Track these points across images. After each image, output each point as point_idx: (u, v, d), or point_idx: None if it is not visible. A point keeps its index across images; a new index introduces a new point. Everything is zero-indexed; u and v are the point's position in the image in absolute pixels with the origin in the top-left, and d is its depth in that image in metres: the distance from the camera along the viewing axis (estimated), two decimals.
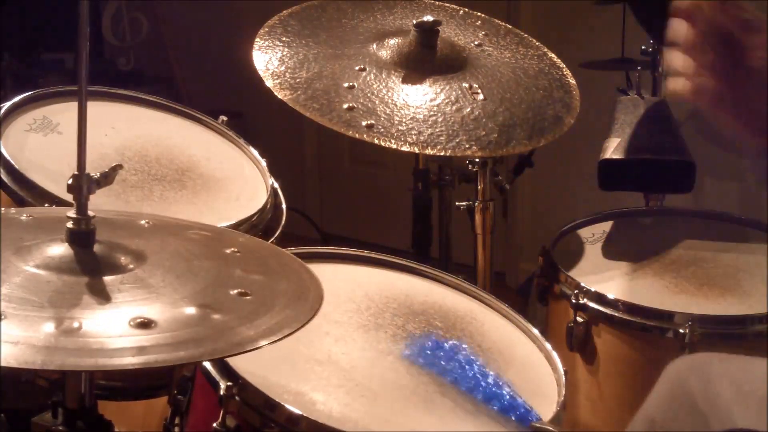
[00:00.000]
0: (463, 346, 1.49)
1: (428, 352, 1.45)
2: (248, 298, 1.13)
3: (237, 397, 1.28)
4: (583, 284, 1.84)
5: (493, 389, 1.39)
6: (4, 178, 1.64)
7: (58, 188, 1.60)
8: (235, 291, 1.13)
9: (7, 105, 1.78)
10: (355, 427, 1.27)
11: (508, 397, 1.38)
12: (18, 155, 1.68)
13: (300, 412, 1.25)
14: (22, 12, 4.21)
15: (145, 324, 1.03)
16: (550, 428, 1.33)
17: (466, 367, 1.43)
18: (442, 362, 1.43)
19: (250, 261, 1.25)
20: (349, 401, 1.32)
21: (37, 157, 1.71)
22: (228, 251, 1.26)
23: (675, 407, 1.38)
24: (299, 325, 1.10)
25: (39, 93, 1.85)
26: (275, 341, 1.06)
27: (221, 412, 1.28)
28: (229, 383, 1.28)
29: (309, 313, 1.13)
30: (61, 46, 4.28)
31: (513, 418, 1.35)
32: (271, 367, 1.35)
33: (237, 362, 1.32)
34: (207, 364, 1.33)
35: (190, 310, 1.08)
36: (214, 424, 1.27)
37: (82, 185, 1.14)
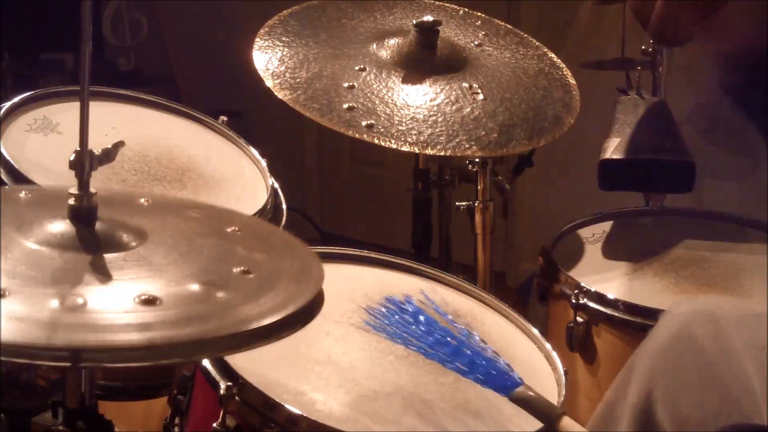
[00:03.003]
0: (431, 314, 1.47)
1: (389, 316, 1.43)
2: (251, 276, 1.12)
3: (237, 397, 1.28)
4: (583, 284, 1.84)
5: (467, 355, 1.37)
6: (4, 178, 1.64)
7: (59, 185, 1.59)
8: (238, 269, 1.13)
9: (7, 105, 1.78)
10: (354, 427, 1.27)
11: (483, 362, 1.36)
12: (18, 155, 1.68)
13: (300, 412, 1.26)
14: (22, 12, 4.20)
15: (150, 301, 1.02)
16: (532, 393, 1.32)
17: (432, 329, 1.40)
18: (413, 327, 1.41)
19: (251, 239, 1.25)
20: (349, 401, 1.32)
21: (37, 157, 1.71)
22: (229, 230, 1.25)
23: (678, 353, 1.27)
24: (304, 301, 1.09)
25: (39, 93, 1.85)
26: (281, 319, 1.05)
27: (221, 412, 1.28)
28: (229, 383, 1.28)
29: (313, 290, 1.12)
30: (61, 46, 4.27)
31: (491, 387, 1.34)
32: (271, 367, 1.35)
33: (237, 362, 1.32)
34: (207, 364, 1.33)
35: (195, 288, 1.07)
36: (214, 424, 1.27)
37: (84, 161, 1.14)
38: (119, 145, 1.21)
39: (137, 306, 1.02)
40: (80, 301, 1.00)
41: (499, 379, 1.35)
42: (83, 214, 1.13)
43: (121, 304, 1.02)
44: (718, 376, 1.23)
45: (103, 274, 1.06)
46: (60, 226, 1.12)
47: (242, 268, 1.13)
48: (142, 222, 1.19)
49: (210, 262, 1.14)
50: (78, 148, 1.14)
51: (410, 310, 1.43)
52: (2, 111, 1.76)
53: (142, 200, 1.31)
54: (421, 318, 1.41)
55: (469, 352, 1.37)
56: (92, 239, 1.12)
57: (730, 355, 1.24)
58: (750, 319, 1.31)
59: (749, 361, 1.23)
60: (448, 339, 1.38)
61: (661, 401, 1.25)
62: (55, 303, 0.99)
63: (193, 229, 1.22)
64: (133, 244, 1.13)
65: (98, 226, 1.14)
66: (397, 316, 1.42)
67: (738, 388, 1.21)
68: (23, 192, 1.28)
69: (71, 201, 1.13)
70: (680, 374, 1.26)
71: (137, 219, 1.20)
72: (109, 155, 1.18)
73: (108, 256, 1.10)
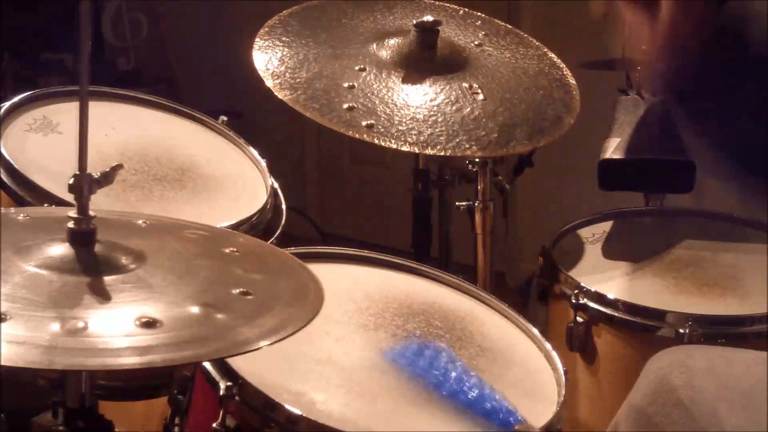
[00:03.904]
0: (443, 347, 1.47)
1: (408, 356, 1.44)
2: (250, 297, 1.13)
3: (237, 397, 1.28)
4: (583, 284, 1.84)
5: (473, 393, 1.38)
6: (4, 178, 1.64)
7: (59, 188, 1.60)
8: (237, 290, 1.13)
9: (7, 105, 1.78)
10: (354, 427, 1.27)
11: (489, 400, 1.37)
12: (18, 155, 1.68)
13: (300, 412, 1.26)
14: (22, 12, 4.20)
15: (150, 324, 1.03)
16: (535, 430, 1.33)
17: (447, 369, 1.41)
18: (422, 365, 1.42)
19: (249, 260, 1.25)
20: (349, 401, 1.32)
21: (37, 157, 1.71)
22: (227, 251, 1.25)
23: (659, 402, 1.37)
24: (302, 324, 1.10)
25: (39, 93, 1.85)
26: (279, 340, 1.06)
27: (221, 412, 1.28)
28: (229, 383, 1.28)
29: (311, 312, 1.13)
30: (61, 46, 4.27)
31: (494, 422, 1.34)
32: (271, 367, 1.35)
33: (237, 362, 1.32)
34: (207, 364, 1.33)
35: (194, 310, 1.08)
36: (214, 424, 1.27)
37: (83, 185, 1.14)
38: (117, 168, 1.21)
39: (137, 329, 1.02)
40: (80, 324, 1.01)
41: (502, 416, 1.35)
42: (82, 237, 1.13)
43: (122, 327, 1.02)
44: (693, 423, 1.30)
45: (103, 297, 1.07)
46: (59, 249, 1.13)
47: (241, 289, 1.14)
48: (140, 244, 1.19)
49: (209, 284, 1.15)
50: (77, 153, 1.14)
51: (427, 354, 1.44)
52: (2, 111, 1.76)
53: (140, 222, 1.31)
54: (437, 362, 1.43)
55: (476, 393, 1.38)
56: (91, 262, 1.12)
57: (701, 400, 1.33)
58: (718, 364, 1.41)
59: (721, 403, 1.32)
60: (461, 382, 1.40)
61: None
62: (55, 326, 1.00)
63: (192, 251, 1.23)
64: (132, 266, 1.14)
65: (97, 248, 1.14)
66: (419, 358, 1.43)
67: (710, 428, 1.28)
68: (22, 215, 1.28)
69: (70, 224, 1.13)
70: (663, 426, 1.35)
71: (136, 241, 1.20)
72: (107, 178, 1.19)
73: (107, 279, 1.10)
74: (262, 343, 1.05)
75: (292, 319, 1.10)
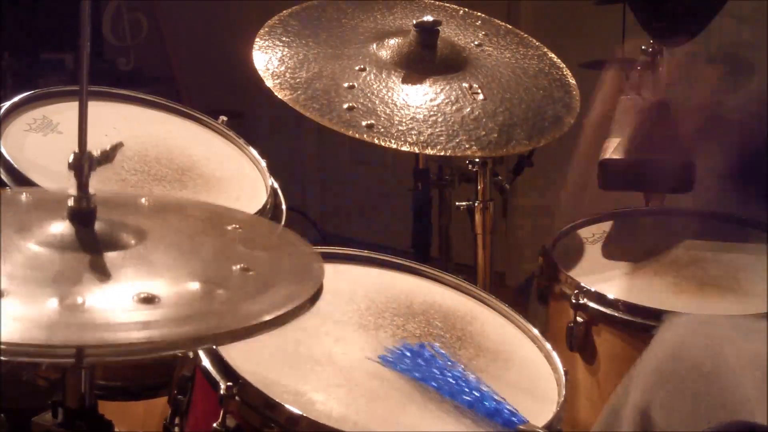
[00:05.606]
0: (443, 348, 1.47)
1: (408, 356, 1.43)
2: (251, 273, 1.12)
3: (237, 397, 1.28)
4: (583, 284, 1.84)
5: (475, 393, 1.37)
6: (4, 178, 1.64)
7: (58, 188, 1.59)
8: (238, 267, 1.13)
9: (7, 105, 1.78)
10: (354, 427, 1.27)
11: (490, 400, 1.36)
12: (18, 155, 1.68)
13: (300, 412, 1.26)
14: (22, 12, 4.20)
15: (149, 299, 1.02)
16: (539, 430, 1.32)
17: (448, 369, 1.41)
18: (422, 365, 1.42)
19: (251, 237, 1.25)
20: (349, 401, 1.33)
21: (37, 157, 1.71)
22: (229, 227, 1.25)
23: (675, 368, 1.33)
24: (303, 300, 1.09)
25: (39, 93, 1.85)
26: (279, 316, 1.05)
27: (221, 412, 1.28)
28: (229, 383, 1.28)
29: (312, 289, 1.12)
30: (61, 46, 4.27)
31: (498, 422, 1.34)
32: (271, 367, 1.35)
33: (237, 362, 1.32)
34: (207, 364, 1.33)
35: (194, 286, 1.07)
36: (214, 424, 1.28)
37: (83, 163, 1.14)
38: (118, 146, 1.21)
39: (136, 305, 1.02)
40: (79, 300, 1.00)
41: (506, 415, 1.35)
42: (82, 215, 1.13)
43: (120, 302, 1.02)
44: (714, 389, 1.27)
45: (103, 274, 1.06)
46: (60, 227, 1.12)
47: (242, 265, 1.13)
48: (141, 221, 1.19)
49: (210, 260, 1.14)
50: (77, 150, 1.14)
51: (426, 355, 1.44)
52: (2, 111, 1.76)
53: (143, 200, 1.31)
54: (436, 363, 1.42)
55: (477, 393, 1.38)
56: (92, 239, 1.12)
57: (725, 369, 1.28)
58: (742, 334, 1.36)
59: (744, 373, 1.27)
60: (461, 382, 1.39)
61: (660, 414, 1.28)
62: (54, 302, 0.99)
63: (194, 228, 1.22)
64: (133, 243, 1.13)
65: (98, 226, 1.14)
66: (418, 359, 1.43)
67: (734, 399, 1.24)
68: (24, 194, 1.28)
69: (71, 202, 1.13)
70: (678, 388, 1.32)
71: (137, 218, 1.20)
72: (108, 157, 1.18)
73: (108, 256, 1.10)
74: (263, 319, 1.03)
75: (293, 295, 1.09)
